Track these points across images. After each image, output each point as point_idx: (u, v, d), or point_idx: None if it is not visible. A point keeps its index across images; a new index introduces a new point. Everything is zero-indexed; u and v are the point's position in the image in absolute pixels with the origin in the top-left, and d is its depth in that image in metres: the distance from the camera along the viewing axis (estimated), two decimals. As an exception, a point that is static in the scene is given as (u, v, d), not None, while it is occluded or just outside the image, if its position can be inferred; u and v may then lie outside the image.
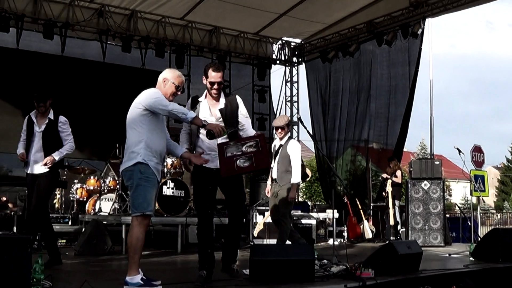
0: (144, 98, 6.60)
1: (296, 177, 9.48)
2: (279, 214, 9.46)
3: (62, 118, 9.44)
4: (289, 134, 10.11)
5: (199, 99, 7.36)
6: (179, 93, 6.85)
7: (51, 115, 9.29)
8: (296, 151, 9.63)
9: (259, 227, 12.16)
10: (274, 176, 9.71)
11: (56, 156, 9.02)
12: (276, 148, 9.75)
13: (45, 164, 8.86)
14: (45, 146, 9.03)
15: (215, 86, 7.17)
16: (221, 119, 7.14)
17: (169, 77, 6.82)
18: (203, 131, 6.92)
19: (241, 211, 7.41)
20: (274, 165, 9.66)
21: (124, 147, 6.65)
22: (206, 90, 7.33)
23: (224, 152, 6.84)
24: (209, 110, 7.23)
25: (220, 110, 7.22)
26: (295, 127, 21.03)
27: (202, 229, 7.32)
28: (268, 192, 10.06)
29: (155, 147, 6.58)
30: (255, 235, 12.29)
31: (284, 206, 9.45)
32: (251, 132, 7.41)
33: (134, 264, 6.39)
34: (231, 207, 7.39)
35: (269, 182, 10.00)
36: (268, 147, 7.74)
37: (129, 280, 6.33)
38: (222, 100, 7.29)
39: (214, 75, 7.15)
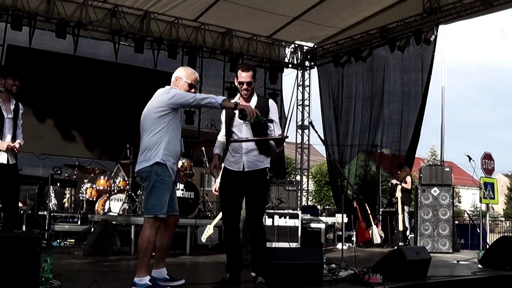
0: (163, 97, 6.59)
1: None
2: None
3: (20, 104, 8.58)
4: None
5: (231, 101, 7.20)
6: (192, 90, 6.81)
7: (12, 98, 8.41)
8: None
9: (208, 231, 11.10)
10: None
11: (21, 142, 8.28)
12: None
13: (15, 149, 8.12)
14: (15, 134, 8.31)
15: (244, 86, 7.13)
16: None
17: (181, 75, 6.84)
18: (235, 130, 7.08)
19: (254, 218, 7.15)
20: None
21: (139, 148, 6.64)
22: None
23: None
24: None
25: None
26: (306, 131, 21.01)
27: (227, 232, 7.29)
28: (216, 190, 9.04)
29: (172, 147, 6.59)
30: (203, 240, 11.35)
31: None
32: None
33: (143, 266, 6.39)
34: (247, 213, 7.29)
35: (218, 180, 8.43)
36: None
37: (138, 282, 6.33)
38: (253, 102, 7.21)
39: (243, 75, 7.13)
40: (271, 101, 7.38)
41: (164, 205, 6.47)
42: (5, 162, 8.09)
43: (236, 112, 6.72)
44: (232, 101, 7.08)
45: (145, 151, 6.57)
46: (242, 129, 7.14)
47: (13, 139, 8.19)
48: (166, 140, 6.51)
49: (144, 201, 6.72)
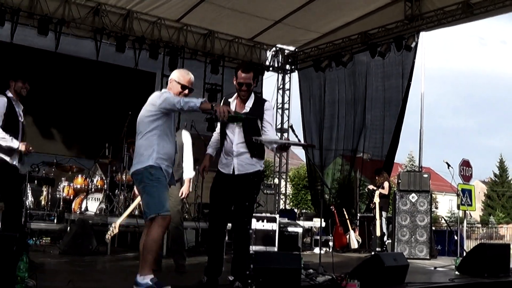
0: (156, 101, 6.54)
1: (191, 171, 9.16)
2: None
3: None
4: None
5: (229, 99, 7.22)
6: (186, 91, 6.71)
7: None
8: (190, 141, 9.28)
9: (113, 230, 10.06)
10: None
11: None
12: None
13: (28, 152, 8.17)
14: (23, 137, 8.30)
15: (244, 88, 7.02)
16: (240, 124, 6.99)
17: (174, 76, 6.77)
18: (228, 132, 7.04)
19: (241, 221, 7.14)
20: None
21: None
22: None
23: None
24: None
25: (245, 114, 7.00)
26: (285, 135, 21.01)
27: (211, 235, 7.25)
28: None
29: (166, 150, 6.54)
30: (108, 239, 10.37)
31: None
32: (274, 138, 7.19)
33: (146, 264, 6.32)
34: (234, 216, 7.21)
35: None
36: None
37: (140, 280, 6.27)
38: (249, 104, 7.12)
39: (243, 76, 7.01)
40: (267, 104, 7.29)
41: (164, 202, 6.40)
42: (17, 164, 8.16)
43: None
44: (230, 99, 7.14)
45: (139, 154, 6.53)
46: (234, 131, 7.08)
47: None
48: (159, 143, 6.48)
49: (143, 203, 6.60)
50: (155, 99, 6.56)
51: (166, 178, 6.56)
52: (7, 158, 8.01)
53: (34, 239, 12.18)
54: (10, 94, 8.25)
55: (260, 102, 7.25)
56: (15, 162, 8.12)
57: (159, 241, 6.46)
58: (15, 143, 7.97)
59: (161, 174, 6.46)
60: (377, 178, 16.15)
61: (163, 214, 6.36)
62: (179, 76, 6.75)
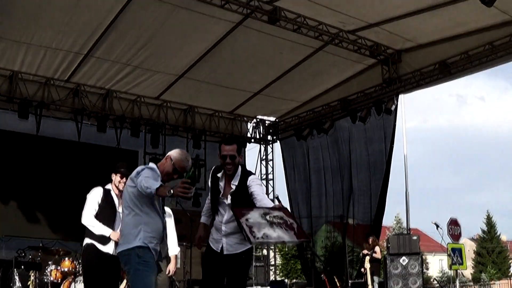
0: (133, 176, 6.29)
1: (176, 247, 9.15)
2: None
3: None
4: None
5: (218, 175, 6.94)
6: (175, 176, 6.43)
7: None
8: (172, 217, 9.26)
9: None
10: None
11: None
12: None
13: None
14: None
15: (228, 160, 6.72)
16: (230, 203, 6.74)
17: (172, 156, 6.44)
18: (219, 207, 6.84)
19: None
20: None
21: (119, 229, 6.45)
22: None
23: (245, 219, 6.07)
24: (224, 190, 6.86)
25: (231, 195, 6.79)
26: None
27: None
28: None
29: (153, 227, 6.29)
30: None
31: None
32: (268, 203, 6.57)
33: None
34: None
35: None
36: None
37: None
38: (235, 182, 6.82)
39: (226, 148, 6.78)
40: (250, 177, 6.85)
41: (150, 287, 6.20)
42: (111, 252, 8.12)
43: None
44: (219, 174, 6.90)
45: (125, 233, 6.30)
46: (225, 207, 6.85)
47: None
48: (147, 222, 6.23)
49: (130, 285, 6.39)
50: (134, 175, 6.31)
51: (154, 257, 6.34)
52: (100, 246, 8.16)
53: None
54: (109, 187, 8.50)
55: (245, 178, 6.85)
56: (108, 250, 8.15)
57: None
58: (106, 231, 8.10)
59: (149, 256, 6.20)
60: (370, 241, 16.06)
61: None
62: (176, 157, 6.44)
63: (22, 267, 13.36)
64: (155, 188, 5.89)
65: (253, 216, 6.10)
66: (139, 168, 6.38)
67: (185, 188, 5.80)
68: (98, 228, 8.14)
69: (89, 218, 8.32)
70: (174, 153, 6.52)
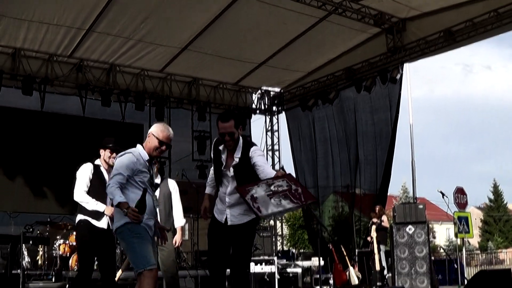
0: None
1: (181, 219, 9.20)
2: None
3: None
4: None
5: (219, 147, 6.92)
6: (163, 148, 6.52)
7: None
8: (177, 189, 9.31)
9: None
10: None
11: None
12: None
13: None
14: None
15: (226, 137, 6.69)
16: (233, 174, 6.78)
17: (153, 131, 6.53)
18: (223, 179, 6.86)
19: (238, 267, 6.93)
20: None
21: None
22: None
23: (250, 196, 6.26)
24: (226, 162, 6.86)
25: (234, 167, 6.80)
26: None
27: (211, 282, 7.08)
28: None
29: None
30: None
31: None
32: (270, 172, 6.62)
33: None
34: (231, 261, 7.00)
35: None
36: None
37: None
38: (237, 155, 6.80)
39: (222, 126, 6.69)
40: (251, 149, 6.82)
41: (148, 256, 6.24)
42: (105, 227, 8.15)
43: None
44: (220, 147, 6.87)
45: (117, 211, 6.33)
46: (228, 179, 6.87)
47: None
48: (133, 199, 6.24)
49: (129, 260, 6.51)
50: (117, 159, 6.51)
51: (148, 231, 6.42)
52: (94, 221, 8.16)
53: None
54: (98, 162, 8.60)
55: (247, 150, 6.84)
56: (102, 225, 8.16)
57: None
58: (100, 207, 8.08)
59: (140, 229, 6.29)
60: (376, 211, 16.07)
61: (149, 268, 6.25)
62: (157, 131, 6.53)
63: (31, 242, 13.39)
64: (116, 201, 6.13)
65: (258, 192, 6.24)
66: (120, 154, 6.53)
67: (134, 215, 6.05)
68: (92, 204, 8.15)
69: (82, 194, 8.31)
70: (153, 128, 6.62)
